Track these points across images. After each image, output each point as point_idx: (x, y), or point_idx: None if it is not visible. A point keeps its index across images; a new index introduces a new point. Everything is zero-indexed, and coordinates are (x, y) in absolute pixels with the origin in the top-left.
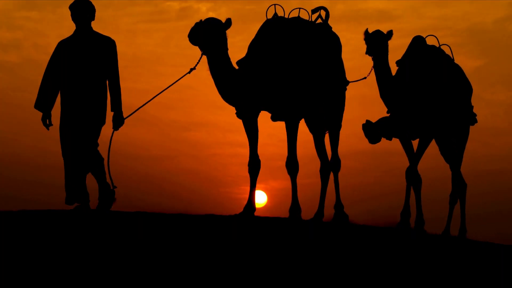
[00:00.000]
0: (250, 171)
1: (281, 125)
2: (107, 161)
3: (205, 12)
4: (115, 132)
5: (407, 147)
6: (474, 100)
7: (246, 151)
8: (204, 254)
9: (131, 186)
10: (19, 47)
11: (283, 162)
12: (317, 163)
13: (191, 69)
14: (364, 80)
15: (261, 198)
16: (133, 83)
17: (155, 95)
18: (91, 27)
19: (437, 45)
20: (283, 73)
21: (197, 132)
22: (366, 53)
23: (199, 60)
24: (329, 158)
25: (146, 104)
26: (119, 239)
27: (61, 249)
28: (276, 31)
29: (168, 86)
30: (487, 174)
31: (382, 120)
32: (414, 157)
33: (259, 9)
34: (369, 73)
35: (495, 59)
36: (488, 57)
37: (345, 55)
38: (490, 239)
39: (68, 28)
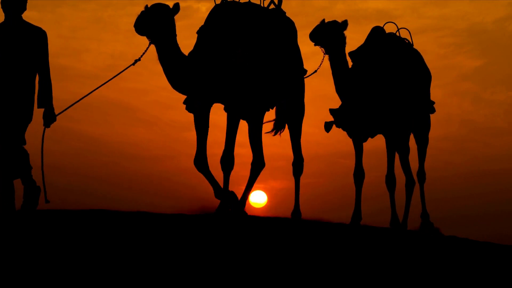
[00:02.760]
0: (196, 165)
1: None
2: (41, 164)
3: (205, 12)
4: (46, 129)
5: (357, 144)
6: (474, 100)
7: (246, 151)
8: (204, 254)
9: (131, 186)
10: None
11: (283, 162)
12: (316, 163)
13: (136, 61)
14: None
15: (261, 198)
16: (133, 83)
17: (91, 90)
18: (21, 17)
19: (396, 32)
20: (233, 61)
21: None
22: (316, 44)
23: (145, 51)
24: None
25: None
26: (119, 239)
27: (61, 249)
28: (225, 16)
29: (108, 79)
30: (487, 174)
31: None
32: (388, 162)
33: None
34: (319, 66)
35: (495, 59)
36: (488, 57)
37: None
38: (490, 239)
39: (67, 27)
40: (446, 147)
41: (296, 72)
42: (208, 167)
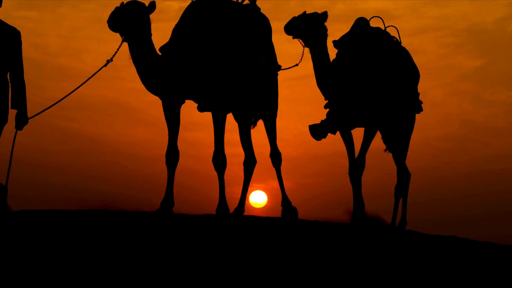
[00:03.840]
0: (167, 162)
1: (280, 124)
2: (9, 166)
3: None
4: (18, 131)
5: (346, 138)
6: (474, 100)
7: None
8: (204, 254)
9: (131, 186)
10: None
11: (283, 162)
12: (316, 163)
13: (108, 61)
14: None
15: (261, 198)
16: (133, 83)
17: (67, 94)
18: None
19: (383, 27)
20: (207, 59)
21: (197, 132)
22: (295, 37)
23: (117, 50)
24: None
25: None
26: (119, 239)
27: (61, 249)
28: (200, 13)
29: (83, 82)
30: (487, 174)
31: (327, 118)
32: (360, 149)
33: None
34: (301, 59)
35: (495, 59)
36: (488, 57)
37: None
38: (490, 239)
39: (67, 27)
40: (446, 147)
41: (271, 68)
42: (176, 165)
